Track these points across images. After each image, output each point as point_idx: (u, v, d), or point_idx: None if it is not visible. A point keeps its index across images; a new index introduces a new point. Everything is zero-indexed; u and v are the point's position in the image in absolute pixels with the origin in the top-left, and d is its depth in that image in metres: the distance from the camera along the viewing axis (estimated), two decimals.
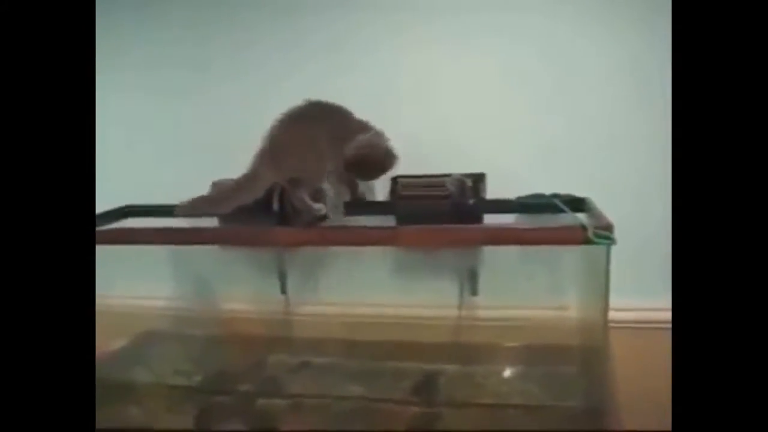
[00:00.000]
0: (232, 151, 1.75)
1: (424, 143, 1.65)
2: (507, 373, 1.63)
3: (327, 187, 1.43)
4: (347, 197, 1.47)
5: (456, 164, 1.58)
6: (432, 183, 1.56)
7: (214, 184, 1.65)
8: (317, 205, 1.40)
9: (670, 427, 0.81)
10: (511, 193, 1.56)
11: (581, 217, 1.34)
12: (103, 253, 1.58)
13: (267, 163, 1.39)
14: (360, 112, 1.45)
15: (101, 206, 1.67)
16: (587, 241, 1.17)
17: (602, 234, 1.16)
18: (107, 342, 1.73)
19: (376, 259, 1.72)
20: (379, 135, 1.41)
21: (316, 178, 1.40)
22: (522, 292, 1.58)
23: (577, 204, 1.45)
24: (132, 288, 1.80)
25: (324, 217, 1.39)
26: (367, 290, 1.73)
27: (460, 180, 1.54)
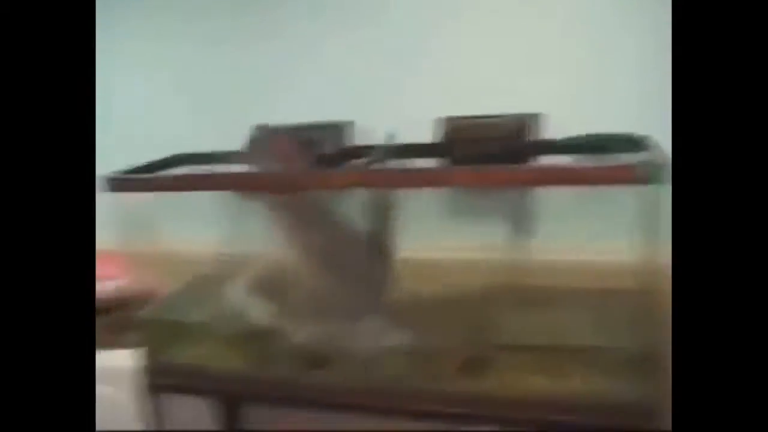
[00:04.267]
0: (273, 98, 1.78)
1: (475, 83, 1.62)
2: (560, 315, 1.60)
3: None
4: None
5: (509, 104, 1.53)
6: (485, 123, 1.52)
7: (258, 128, 1.64)
8: None
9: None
10: (567, 133, 1.52)
11: (640, 156, 1.28)
12: (159, 199, 1.63)
13: None
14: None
15: (153, 154, 1.71)
16: (641, 180, 1.12)
17: (657, 172, 1.11)
18: (165, 284, 1.79)
19: (428, 202, 1.70)
20: None
21: None
22: (576, 235, 1.54)
23: (636, 143, 1.38)
24: (187, 233, 1.83)
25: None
26: (418, 233, 1.72)
27: (514, 120, 1.50)
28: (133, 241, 1.60)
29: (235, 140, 1.71)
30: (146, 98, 1.99)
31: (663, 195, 1.16)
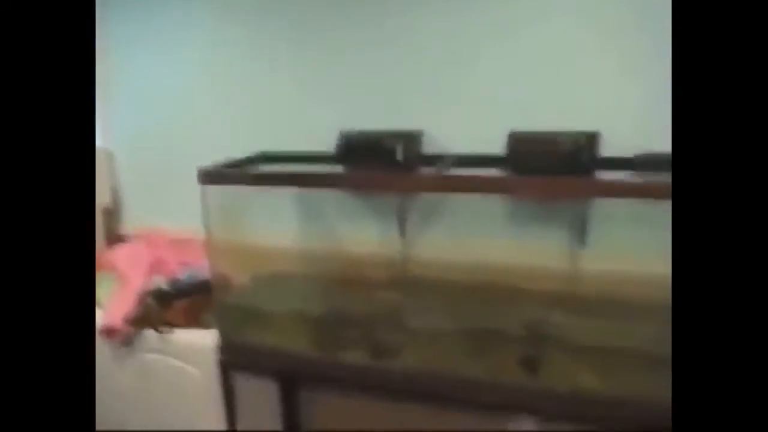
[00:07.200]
0: (360, 104, 1.89)
1: (536, 101, 1.71)
2: (610, 325, 1.65)
3: None
4: None
5: (569, 123, 1.63)
6: (546, 139, 1.62)
7: (342, 135, 1.78)
8: None
9: None
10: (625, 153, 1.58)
11: None
12: (240, 195, 1.75)
13: None
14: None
15: (241, 152, 1.86)
16: None
17: None
18: (242, 275, 1.91)
19: (489, 208, 1.79)
20: None
21: None
22: (631, 246, 1.59)
23: None
24: (265, 228, 1.97)
25: None
26: (480, 237, 1.81)
27: (574, 137, 1.60)
28: (218, 232, 1.71)
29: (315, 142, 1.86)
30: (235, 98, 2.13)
31: None
